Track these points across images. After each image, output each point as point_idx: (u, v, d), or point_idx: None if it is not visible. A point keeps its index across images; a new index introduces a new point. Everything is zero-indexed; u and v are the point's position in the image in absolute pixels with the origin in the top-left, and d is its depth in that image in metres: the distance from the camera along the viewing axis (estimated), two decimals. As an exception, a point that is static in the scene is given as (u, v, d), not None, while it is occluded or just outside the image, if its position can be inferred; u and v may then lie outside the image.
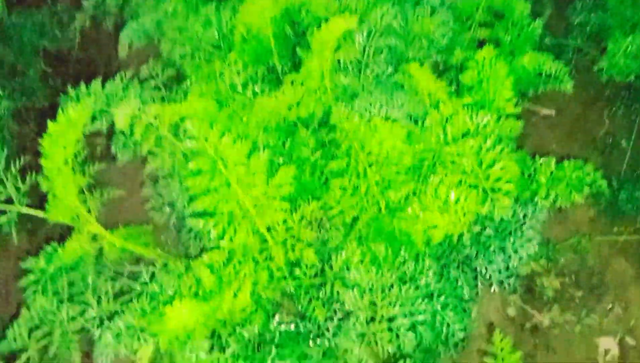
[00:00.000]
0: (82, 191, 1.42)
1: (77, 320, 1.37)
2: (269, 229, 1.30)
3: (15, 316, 1.39)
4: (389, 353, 1.27)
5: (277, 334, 1.44)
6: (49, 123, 1.12)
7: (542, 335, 2.12)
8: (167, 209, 1.72)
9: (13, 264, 1.39)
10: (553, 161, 1.62)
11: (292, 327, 1.46)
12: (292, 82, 1.35)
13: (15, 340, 1.33)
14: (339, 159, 1.24)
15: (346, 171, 1.27)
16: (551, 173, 1.60)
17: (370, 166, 1.28)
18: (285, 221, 1.29)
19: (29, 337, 1.33)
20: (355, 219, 1.40)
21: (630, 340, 2.08)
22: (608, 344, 2.09)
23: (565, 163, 1.60)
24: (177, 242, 1.77)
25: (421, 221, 1.32)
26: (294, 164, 1.22)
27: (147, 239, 1.66)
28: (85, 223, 1.32)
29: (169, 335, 0.93)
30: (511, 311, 2.13)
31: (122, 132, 1.45)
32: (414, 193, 1.34)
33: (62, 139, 1.10)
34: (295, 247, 1.27)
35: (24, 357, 1.28)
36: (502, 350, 1.12)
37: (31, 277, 1.38)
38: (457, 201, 1.24)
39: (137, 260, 1.65)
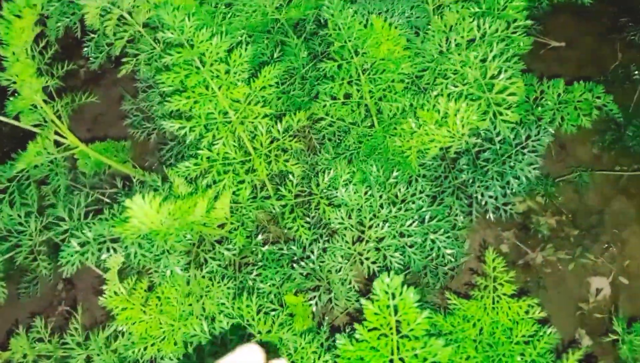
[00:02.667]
0: (50, 96, 1.31)
1: (46, 232, 1.29)
2: (252, 139, 1.20)
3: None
4: (374, 273, 1.20)
5: (260, 255, 1.37)
6: (5, 5, 0.99)
7: (533, 272, 2.07)
8: (147, 125, 1.61)
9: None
10: (562, 82, 1.51)
11: (276, 248, 1.39)
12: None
13: (-20, 249, 1.26)
14: (330, 61, 1.12)
15: (337, 75, 1.15)
16: (559, 95, 1.50)
17: (364, 72, 1.17)
18: (269, 131, 1.18)
19: (-5, 247, 1.25)
20: (346, 133, 1.30)
21: (623, 280, 2.03)
22: (600, 284, 2.05)
23: (575, 84, 1.49)
24: (157, 161, 1.68)
25: (417, 136, 1.22)
26: (281, 66, 1.10)
27: (125, 156, 1.57)
28: (52, 128, 1.21)
29: (133, 235, 0.84)
30: (504, 248, 2.07)
31: (94, 30, 1.32)
32: (411, 106, 1.23)
33: (18, 21, 0.98)
34: (280, 159, 1.17)
35: (-11, 266, 1.21)
36: (494, 269, 1.05)
37: (-3, 185, 1.29)
38: (456, 112, 1.13)
39: (114, 177, 1.56)
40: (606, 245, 2.07)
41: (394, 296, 0.85)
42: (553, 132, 1.46)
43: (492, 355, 1.07)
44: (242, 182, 1.18)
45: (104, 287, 1.06)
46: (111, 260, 1.04)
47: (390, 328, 0.85)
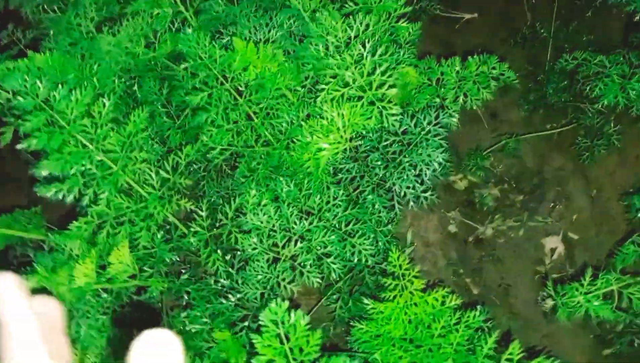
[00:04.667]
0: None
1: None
2: (141, 183, 1.17)
3: None
4: (319, 284, 1.18)
5: (186, 295, 1.34)
6: None
7: (487, 246, 2.07)
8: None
9: None
10: (457, 60, 1.50)
11: (203, 284, 1.36)
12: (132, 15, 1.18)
13: None
14: (197, 93, 1.09)
15: (212, 104, 1.12)
16: (457, 72, 1.49)
17: (241, 94, 1.14)
18: (158, 173, 1.16)
19: None
20: (243, 157, 1.28)
21: (573, 235, 2.04)
22: (554, 243, 2.06)
23: (469, 59, 1.48)
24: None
25: (310, 146, 1.20)
26: (147, 106, 1.07)
27: (40, 221, 1.52)
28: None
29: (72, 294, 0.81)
30: (452, 228, 2.06)
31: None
32: (298, 118, 1.21)
33: None
34: (173, 199, 1.15)
35: None
36: (400, 266, 1.03)
37: None
38: (341, 116, 1.12)
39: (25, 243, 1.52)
40: (552, 204, 2.07)
41: (283, 323, 0.83)
42: (455, 112, 1.45)
43: (418, 352, 1.06)
44: (140, 229, 1.15)
45: None
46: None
47: (285, 357, 0.83)
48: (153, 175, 1.15)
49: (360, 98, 1.18)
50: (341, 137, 1.09)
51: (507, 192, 2.13)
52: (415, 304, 1.05)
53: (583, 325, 1.85)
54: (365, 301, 1.11)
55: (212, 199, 1.34)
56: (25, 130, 1.00)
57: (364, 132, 1.25)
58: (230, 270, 1.25)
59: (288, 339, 0.83)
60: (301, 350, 0.83)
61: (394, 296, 1.07)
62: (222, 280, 1.34)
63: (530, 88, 2.09)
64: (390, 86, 1.14)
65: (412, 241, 1.95)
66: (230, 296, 1.31)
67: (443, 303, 1.06)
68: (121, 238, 1.12)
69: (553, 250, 2.04)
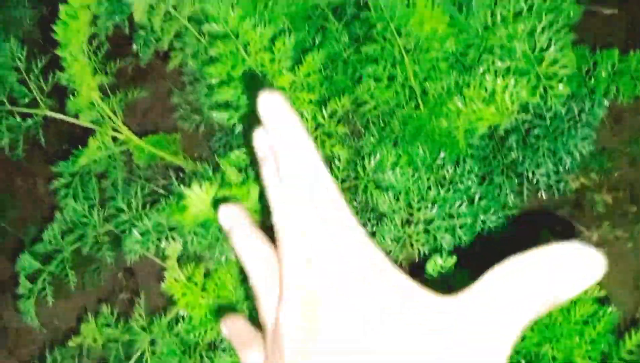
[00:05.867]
0: (105, 93, 1.37)
1: (108, 223, 1.36)
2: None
3: (49, 220, 1.40)
4: (424, 254, 1.20)
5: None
6: (61, 7, 1.05)
7: (590, 251, 2.00)
8: (195, 117, 1.66)
9: (43, 168, 1.38)
10: (616, 52, 1.44)
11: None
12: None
13: (50, 242, 1.34)
14: (373, 43, 1.12)
15: (381, 57, 1.15)
16: (613, 65, 1.43)
17: (408, 52, 1.16)
18: (314, 117, 1.20)
19: (63, 239, 1.33)
20: (390, 116, 1.30)
21: (688, 257, 1.94)
22: (662, 261, 1.96)
23: (631, 53, 1.42)
24: (207, 151, 1.73)
25: (463, 116, 1.20)
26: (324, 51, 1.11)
27: (176, 147, 1.62)
28: (109, 124, 1.27)
29: (190, 222, 0.88)
30: (558, 228, 2.01)
31: (142, 27, 1.36)
32: (457, 85, 1.21)
33: (74, 23, 1.03)
34: (326, 144, 1.19)
35: (59, 257, 1.29)
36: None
37: (62, 181, 1.37)
38: (505, 88, 1.11)
39: (167, 168, 1.62)
40: (668, 221, 1.97)
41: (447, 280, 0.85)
42: (607, 104, 1.40)
43: (549, 336, 1.06)
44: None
45: (165, 274, 1.11)
46: (170, 248, 1.09)
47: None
48: (309, 118, 1.19)
49: (525, 73, 1.16)
50: (507, 109, 1.09)
51: (620, 200, 2.05)
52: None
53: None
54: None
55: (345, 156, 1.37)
56: (214, 55, 1.06)
57: (516, 110, 1.23)
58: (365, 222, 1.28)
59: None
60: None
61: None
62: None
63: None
64: (563, 66, 1.11)
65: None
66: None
67: (586, 292, 1.04)
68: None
69: (660, 268, 1.95)
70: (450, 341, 0.32)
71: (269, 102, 0.37)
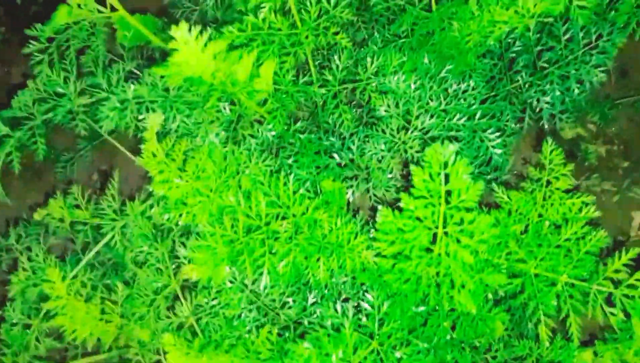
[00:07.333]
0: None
1: (85, 97, 1.27)
2: (298, 10, 1.12)
3: (19, 87, 1.30)
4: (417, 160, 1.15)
5: (297, 142, 1.33)
6: None
7: (575, 201, 1.99)
8: (188, 4, 1.54)
9: (20, 33, 1.26)
10: (644, -17, 1.35)
11: (315, 136, 1.35)
12: None
13: (20, 108, 1.25)
14: None
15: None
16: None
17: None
18: (320, 1, 1.10)
19: (34, 106, 1.24)
20: (399, 12, 1.21)
21: (670, 216, 1.94)
22: (644, 219, 1.96)
23: (659, -16, 1.33)
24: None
25: (477, 20, 1.12)
26: None
27: (164, 35, 1.51)
28: (93, -15, 1.15)
29: (176, 76, 0.80)
30: (547, 173, 1.98)
31: None
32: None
33: None
34: (329, 31, 1.10)
35: (30, 123, 1.20)
36: (550, 161, 0.98)
37: (37, 45, 1.26)
38: (528, -8, 1.02)
39: (152, 52, 1.52)
40: (657, 180, 1.96)
41: (446, 165, 0.80)
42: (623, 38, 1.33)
43: (535, 253, 1.03)
44: (287, 55, 1.12)
45: (142, 147, 1.04)
46: (151, 119, 1.01)
47: (439, 198, 0.80)
48: (313, 1, 1.10)
49: (550, -19, 1.08)
50: (527, 11, 1.01)
51: (613, 154, 2.02)
52: (552, 204, 1.01)
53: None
54: (496, 188, 1.07)
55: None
56: None
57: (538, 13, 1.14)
58: (352, 134, 1.21)
59: (447, 182, 0.80)
60: (459, 194, 0.80)
61: (532, 190, 1.02)
62: (333, 139, 1.32)
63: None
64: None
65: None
66: (342, 153, 1.29)
67: (580, 210, 1.01)
68: (270, 56, 1.09)
69: (641, 226, 1.96)
70: None
71: None
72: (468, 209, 0.80)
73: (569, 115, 1.32)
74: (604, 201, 2.00)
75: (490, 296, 1.09)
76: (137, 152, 1.48)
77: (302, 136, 1.33)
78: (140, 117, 1.06)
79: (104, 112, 1.02)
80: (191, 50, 0.75)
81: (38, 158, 1.17)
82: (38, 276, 1.24)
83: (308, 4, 1.11)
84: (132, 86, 1.05)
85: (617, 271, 0.93)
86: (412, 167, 0.80)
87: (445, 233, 0.84)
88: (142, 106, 1.07)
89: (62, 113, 1.17)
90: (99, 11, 1.23)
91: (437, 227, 0.84)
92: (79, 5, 1.09)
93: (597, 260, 1.01)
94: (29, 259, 1.26)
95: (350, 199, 1.25)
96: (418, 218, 0.84)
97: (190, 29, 0.73)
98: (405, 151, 1.16)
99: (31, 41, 1.25)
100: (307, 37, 1.12)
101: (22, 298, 1.25)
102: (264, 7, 1.07)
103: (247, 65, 0.89)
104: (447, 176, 0.80)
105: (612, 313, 0.99)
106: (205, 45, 0.77)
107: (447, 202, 0.81)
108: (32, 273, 1.25)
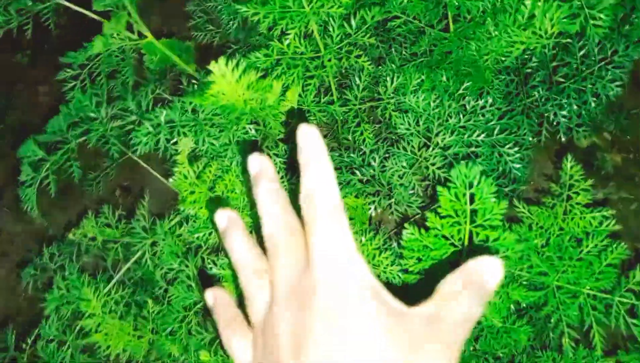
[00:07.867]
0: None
1: (116, 120, 1.32)
2: (322, 35, 1.16)
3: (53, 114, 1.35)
4: (439, 180, 1.18)
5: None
6: None
7: (592, 210, 2.00)
8: (211, 27, 1.60)
9: (52, 57, 1.32)
10: (657, -3, 1.38)
11: (336, 155, 1.38)
12: None
13: (54, 133, 1.30)
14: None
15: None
16: (652, 10, 1.38)
17: (446, -35, 1.10)
18: (342, 25, 1.14)
19: (68, 131, 1.29)
20: (419, 35, 1.24)
21: (689, 224, 1.94)
22: (662, 226, 1.97)
23: (672, -1, 1.36)
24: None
25: (495, 40, 1.16)
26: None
27: (189, 57, 1.56)
28: (124, 13, 1.21)
29: (211, 105, 0.84)
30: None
31: None
32: (493, 7, 1.15)
33: None
34: (352, 54, 1.14)
35: (65, 147, 1.26)
36: (571, 176, 1.00)
37: (70, 71, 1.32)
38: (545, 12, 1.06)
39: (179, 75, 1.57)
40: (674, 188, 1.96)
41: (471, 185, 0.83)
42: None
43: (557, 266, 1.05)
44: (311, 77, 1.16)
45: (174, 169, 1.08)
46: (182, 142, 1.06)
47: (465, 217, 0.83)
48: (335, 26, 1.14)
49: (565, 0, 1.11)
50: (545, 32, 1.04)
51: (629, 163, 2.03)
52: (572, 218, 1.03)
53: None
54: (517, 203, 1.09)
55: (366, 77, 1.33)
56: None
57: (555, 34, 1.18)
58: (372, 150, 1.25)
59: (472, 201, 0.83)
60: (484, 213, 0.83)
61: (553, 205, 1.05)
62: (353, 156, 1.36)
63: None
64: (608, -6, 1.06)
65: (528, 178, 1.90)
66: (357, 172, 1.32)
67: (600, 224, 1.03)
68: (294, 78, 1.13)
69: (659, 234, 1.96)
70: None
71: (307, 134, 0.46)
72: (493, 227, 0.83)
73: (585, 128, 1.35)
74: (621, 209, 2.01)
75: (512, 307, 1.12)
76: (155, 167, 1.53)
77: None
78: (172, 141, 1.10)
79: (138, 138, 1.07)
80: (227, 81, 0.79)
81: (74, 180, 1.22)
82: (72, 294, 1.29)
83: (330, 28, 1.15)
84: (164, 112, 1.09)
85: (639, 283, 0.95)
86: (439, 188, 0.84)
87: (471, 250, 0.87)
88: (174, 130, 1.11)
89: (95, 137, 1.22)
90: (130, 39, 1.28)
91: (463, 244, 0.87)
92: (112, 36, 1.14)
93: (619, 272, 1.03)
94: (63, 278, 1.30)
95: (372, 215, 1.29)
96: (444, 236, 0.87)
97: (227, 63, 0.77)
98: (427, 168, 1.19)
99: (65, 68, 1.30)
100: (330, 59, 1.16)
101: (56, 315, 1.30)
102: (290, 34, 1.11)
103: (276, 92, 0.93)
104: (472, 196, 0.83)
105: (634, 324, 1.02)
106: (240, 77, 0.81)
107: (473, 221, 0.84)
108: (66, 291, 1.29)
